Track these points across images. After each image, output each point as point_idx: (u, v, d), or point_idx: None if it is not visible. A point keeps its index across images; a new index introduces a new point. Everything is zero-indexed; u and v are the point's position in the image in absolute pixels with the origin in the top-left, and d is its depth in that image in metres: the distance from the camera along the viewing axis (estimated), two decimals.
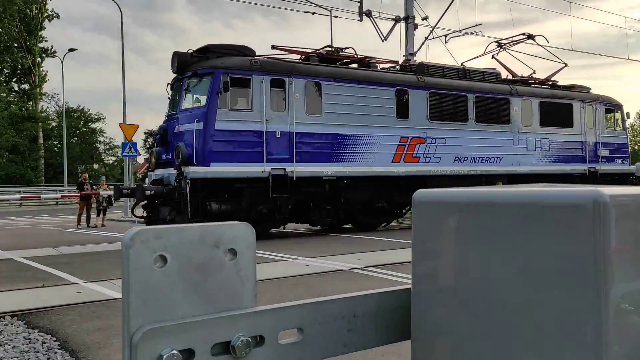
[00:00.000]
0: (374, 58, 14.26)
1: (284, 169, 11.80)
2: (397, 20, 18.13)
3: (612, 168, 17.16)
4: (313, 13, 21.64)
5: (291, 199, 12.07)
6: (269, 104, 11.83)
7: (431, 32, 18.37)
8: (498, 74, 15.80)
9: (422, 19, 18.24)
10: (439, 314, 0.83)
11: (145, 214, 11.92)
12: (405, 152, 13.59)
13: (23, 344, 4.61)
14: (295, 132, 12.03)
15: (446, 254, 0.82)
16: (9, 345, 4.60)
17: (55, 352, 4.41)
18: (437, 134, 14.04)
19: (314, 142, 12.33)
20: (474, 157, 14.61)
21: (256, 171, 11.55)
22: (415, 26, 18.21)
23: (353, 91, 12.93)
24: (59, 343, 4.64)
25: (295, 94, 12.12)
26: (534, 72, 16.87)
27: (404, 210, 14.46)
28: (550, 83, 17.03)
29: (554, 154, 15.96)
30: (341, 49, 13.79)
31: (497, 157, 14.99)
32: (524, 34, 17.08)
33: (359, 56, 13.94)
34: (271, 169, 11.66)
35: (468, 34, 18.58)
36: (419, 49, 18.33)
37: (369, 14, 17.56)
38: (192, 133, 11.32)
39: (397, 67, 14.80)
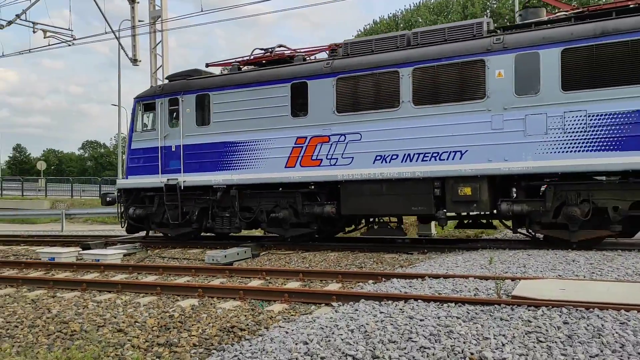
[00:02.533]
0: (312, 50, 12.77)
1: (177, 179, 13.11)
2: None
3: None
4: None
5: (196, 206, 13.16)
6: (166, 121, 13.37)
7: None
8: (473, 26, 10.79)
9: None
10: None
11: None
12: (302, 154, 11.73)
13: None
14: (184, 145, 13.08)
15: None
16: None
17: None
18: (347, 128, 11.30)
19: (202, 152, 12.88)
20: (409, 154, 10.79)
21: (156, 182, 13.40)
22: None
23: (243, 95, 12.38)
24: None
25: (186, 109, 13.05)
26: None
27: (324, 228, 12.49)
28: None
29: (600, 137, 9.43)
30: (272, 48, 12.90)
31: (458, 151, 10.39)
32: None
33: (288, 52, 12.77)
34: (167, 179, 13.21)
35: None
36: None
37: None
38: None
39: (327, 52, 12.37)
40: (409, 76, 10.83)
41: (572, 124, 9.63)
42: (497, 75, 10.16)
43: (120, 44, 17.95)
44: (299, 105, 11.80)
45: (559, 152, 9.69)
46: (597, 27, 9.60)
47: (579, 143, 9.61)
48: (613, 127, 9.37)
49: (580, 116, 9.59)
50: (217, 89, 12.79)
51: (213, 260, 10.85)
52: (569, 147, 9.62)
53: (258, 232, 15.35)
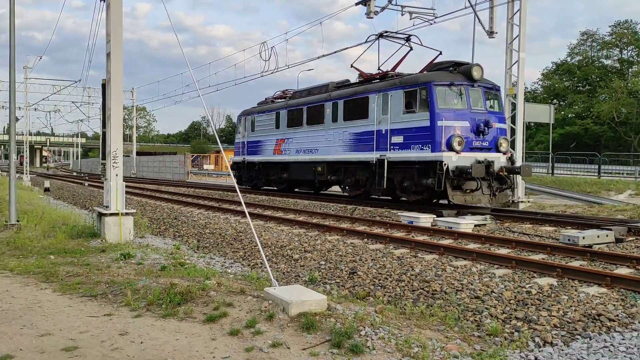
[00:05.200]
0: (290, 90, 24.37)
1: (244, 158, 25.45)
2: None
3: (405, 156, 15.93)
4: None
5: (252, 172, 25.23)
6: (244, 129, 25.68)
7: None
8: (326, 86, 20.49)
9: None
10: None
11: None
12: (278, 148, 22.53)
13: None
14: (247, 141, 25.14)
15: None
16: None
17: None
18: (290, 135, 21.67)
19: (252, 145, 24.67)
20: (305, 150, 20.70)
21: (240, 159, 25.75)
22: None
23: (263, 117, 23.87)
24: None
25: (247, 123, 25.30)
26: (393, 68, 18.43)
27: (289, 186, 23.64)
28: (391, 74, 17.76)
29: (353, 145, 18.07)
30: (284, 90, 24.62)
31: (316, 149, 20.02)
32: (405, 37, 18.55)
33: (285, 93, 24.36)
34: (243, 158, 25.43)
35: None
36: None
37: None
38: None
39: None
40: (306, 110, 20.69)
41: (344, 138, 18.40)
42: (327, 112, 19.41)
43: (477, 16, 18.09)
44: (277, 123, 22.69)
45: (341, 151, 18.49)
46: (353, 90, 18.34)
47: (346, 147, 18.25)
48: (355, 140, 17.85)
49: (347, 134, 18.28)
50: (256, 114, 24.77)
51: (569, 240, 10.17)
52: (344, 149, 18.38)
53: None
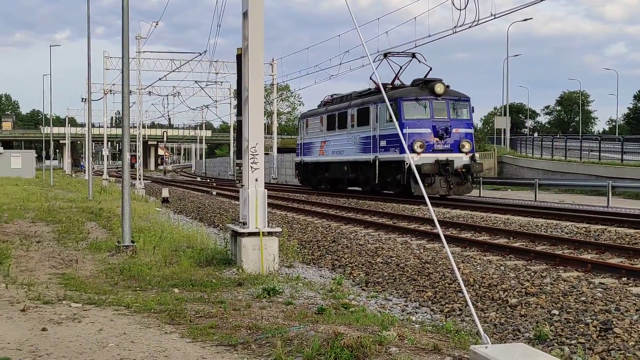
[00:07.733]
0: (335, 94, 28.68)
1: (302, 159, 30.13)
2: None
3: (387, 157, 21.12)
4: None
5: (308, 172, 29.75)
6: (302, 130, 30.65)
7: None
8: (350, 95, 25.78)
9: None
10: None
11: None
12: (322, 148, 27.34)
13: None
14: (303, 142, 29.93)
15: None
16: None
17: None
18: (328, 138, 26.41)
19: (306, 146, 29.48)
20: (338, 151, 25.29)
21: (298, 160, 30.82)
22: None
23: (313, 121, 28.75)
24: None
25: (305, 125, 29.95)
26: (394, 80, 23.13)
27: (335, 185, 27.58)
28: (390, 86, 22.47)
29: (361, 147, 22.90)
30: (332, 95, 28.53)
31: (343, 151, 24.80)
32: (411, 54, 22.44)
33: (332, 97, 28.55)
34: (301, 159, 30.34)
35: None
36: None
37: None
38: None
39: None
40: (337, 116, 25.56)
41: (356, 141, 23.53)
42: (349, 118, 24.42)
43: None
44: (321, 125, 27.27)
45: (356, 152, 23.67)
46: (361, 101, 23.52)
47: (359, 149, 23.25)
48: (362, 143, 22.94)
49: (357, 138, 23.40)
50: (309, 117, 29.74)
51: None
52: (357, 151, 23.43)
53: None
